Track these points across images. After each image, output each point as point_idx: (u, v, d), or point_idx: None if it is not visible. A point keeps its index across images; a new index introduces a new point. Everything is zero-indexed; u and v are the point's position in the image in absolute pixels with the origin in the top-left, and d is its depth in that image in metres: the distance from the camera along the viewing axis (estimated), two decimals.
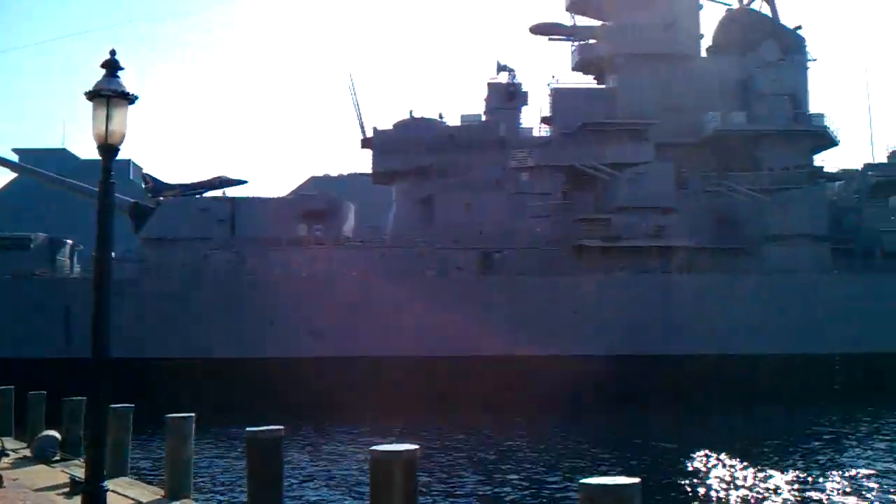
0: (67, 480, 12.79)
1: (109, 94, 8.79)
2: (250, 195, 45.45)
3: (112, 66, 8.96)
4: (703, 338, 38.68)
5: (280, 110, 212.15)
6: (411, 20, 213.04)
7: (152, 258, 40.15)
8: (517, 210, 43.21)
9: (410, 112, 47.28)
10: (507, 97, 47.35)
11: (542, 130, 48.50)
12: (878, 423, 31.19)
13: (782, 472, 21.62)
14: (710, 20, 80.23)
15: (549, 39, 51.77)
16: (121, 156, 9.80)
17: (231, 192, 45.51)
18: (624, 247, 41.63)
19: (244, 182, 47.08)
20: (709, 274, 40.78)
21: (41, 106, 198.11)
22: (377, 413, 32.01)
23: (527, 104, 48.23)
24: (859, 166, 51.39)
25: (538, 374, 36.16)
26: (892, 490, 19.98)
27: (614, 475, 5.89)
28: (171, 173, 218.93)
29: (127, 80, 8.99)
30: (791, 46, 49.59)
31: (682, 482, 20.92)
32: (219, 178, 46.22)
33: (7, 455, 15.75)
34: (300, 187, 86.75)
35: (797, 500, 19.15)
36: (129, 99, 8.93)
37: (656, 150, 44.72)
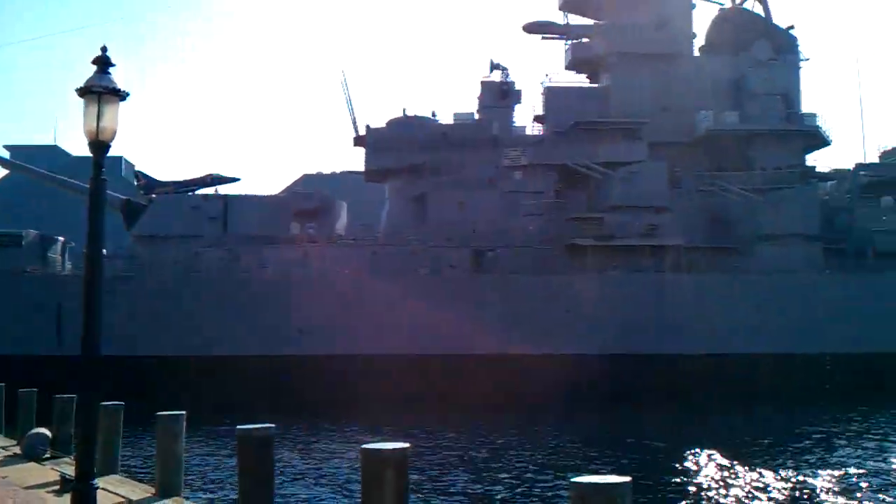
0: (57, 478, 12.74)
1: (101, 90, 8.77)
2: (243, 193, 45.42)
3: (103, 63, 8.93)
4: (697, 337, 38.76)
5: (272, 108, 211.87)
6: (405, 18, 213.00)
7: (144, 255, 40.06)
8: (510, 208, 43.23)
9: (403, 110, 47.41)
10: (500, 96, 47.40)
11: (535, 129, 48.58)
12: (869, 422, 31.30)
13: (774, 472, 21.66)
14: (702, 20, 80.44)
15: (543, 38, 51.78)
16: (113, 153, 9.77)
17: (223, 189, 45.59)
18: (617, 246, 41.69)
19: (237, 180, 47.16)
20: (702, 273, 40.86)
21: (34, 102, 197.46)
22: (369, 411, 31.98)
23: (520, 103, 48.40)
24: (851, 166, 51.60)
25: (531, 372, 36.18)
26: (881, 488, 20.07)
27: (606, 474, 5.89)
28: (164, 170, 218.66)
29: (119, 77, 8.97)
30: (783, 46, 49.70)
31: (675, 481, 20.97)
32: (211, 175, 46.23)
33: None
34: (292, 185, 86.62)
35: (789, 499, 19.21)
36: (121, 95, 8.90)
37: (649, 149, 44.80)
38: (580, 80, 51.99)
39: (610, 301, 39.20)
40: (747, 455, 23.94)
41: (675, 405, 35.40)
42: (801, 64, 50.15)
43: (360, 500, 7.55)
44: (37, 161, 60.73)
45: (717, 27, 52.78)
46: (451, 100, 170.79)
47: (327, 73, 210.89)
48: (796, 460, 23.97)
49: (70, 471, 11.92)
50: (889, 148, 60.61)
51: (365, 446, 7.40)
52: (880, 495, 19.47)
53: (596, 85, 50.49)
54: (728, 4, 53.76)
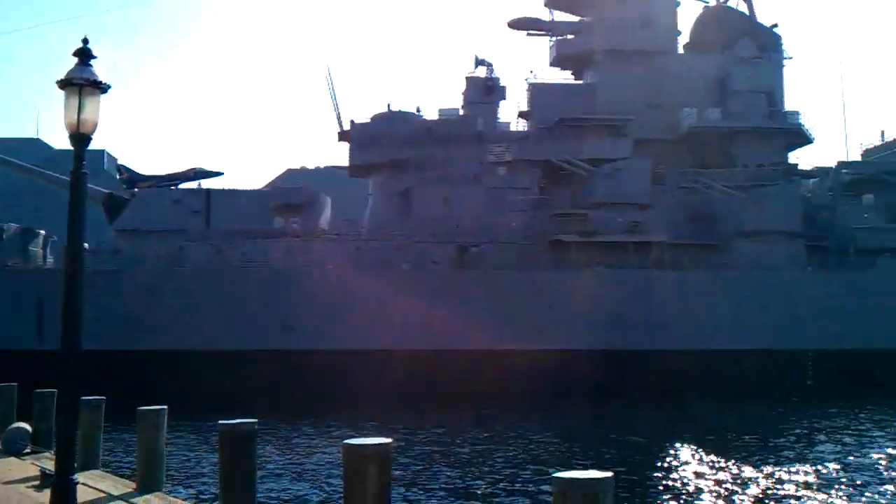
0: (38, 473, 12.64)
1: (81, 82, 8.70)
2: (226, 187, 45.18)
3: (84, 55, 8.85)
4: (681, 333, 38.92)
5: (256, 102, 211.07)
6: (390, 13, 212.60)
7: (127, 250, 39.80)
8: (495, 204, 43.22)
9: (388, 105, 47.40)
10: (485, 91, 47.39)
11: (519, 125, 48.57)
12: (849, 418, 31.52)
13: (755, 467, 21.79)
14: (687, 17, 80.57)
15: (528, 34, 51.80)
16: (95, 146, 9.71)
17: (207, 183, 45.23)
18: (600, 242, 41.75)
19: (220, 174, 46.88)
20: (685, 270, 40.99)
21: (17, 95, 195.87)
22: (353, 407, 31.93)
23: (505, 99, 48.37)
24: (833, 164, 51.91)
25: (516, 368, 36.19)
26: (862, 484, 20.23)
27: (588, 469, 5.89)
28: (147, 164, 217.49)
29: (103, 70, 8.90)
30: (767, 44, 49.92)
31: (660, 476, 21.04)
32: (194, 169, 45.95)
33: None
34: (276, 179, 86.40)
35: (769, 495, 19.32)
36: (102, 88, 8.84)
37: (633, 146, 44.88)
38: (565, 77, 52.02)
39: (595, 297, 39.26)
40: (729, 450, 24.07)
41: (660, 400, 35.52)
42: (785, 62, 50.46)
43: (342, 495, 7.51)
44: (18, 154, 60.20)
45: (702, 25, 52.96)
46: (436, 95, 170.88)
47: (312, 68, 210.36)
48: (777, 455, 24.12)
49: (50, 466, 11.82)
50: (871, 146, 61.11)
51: (347, 441, 7.36)
52: (859, 490, 19.63)
53: (581, 82, 50.55)
54: (713, 3, 53.90)
